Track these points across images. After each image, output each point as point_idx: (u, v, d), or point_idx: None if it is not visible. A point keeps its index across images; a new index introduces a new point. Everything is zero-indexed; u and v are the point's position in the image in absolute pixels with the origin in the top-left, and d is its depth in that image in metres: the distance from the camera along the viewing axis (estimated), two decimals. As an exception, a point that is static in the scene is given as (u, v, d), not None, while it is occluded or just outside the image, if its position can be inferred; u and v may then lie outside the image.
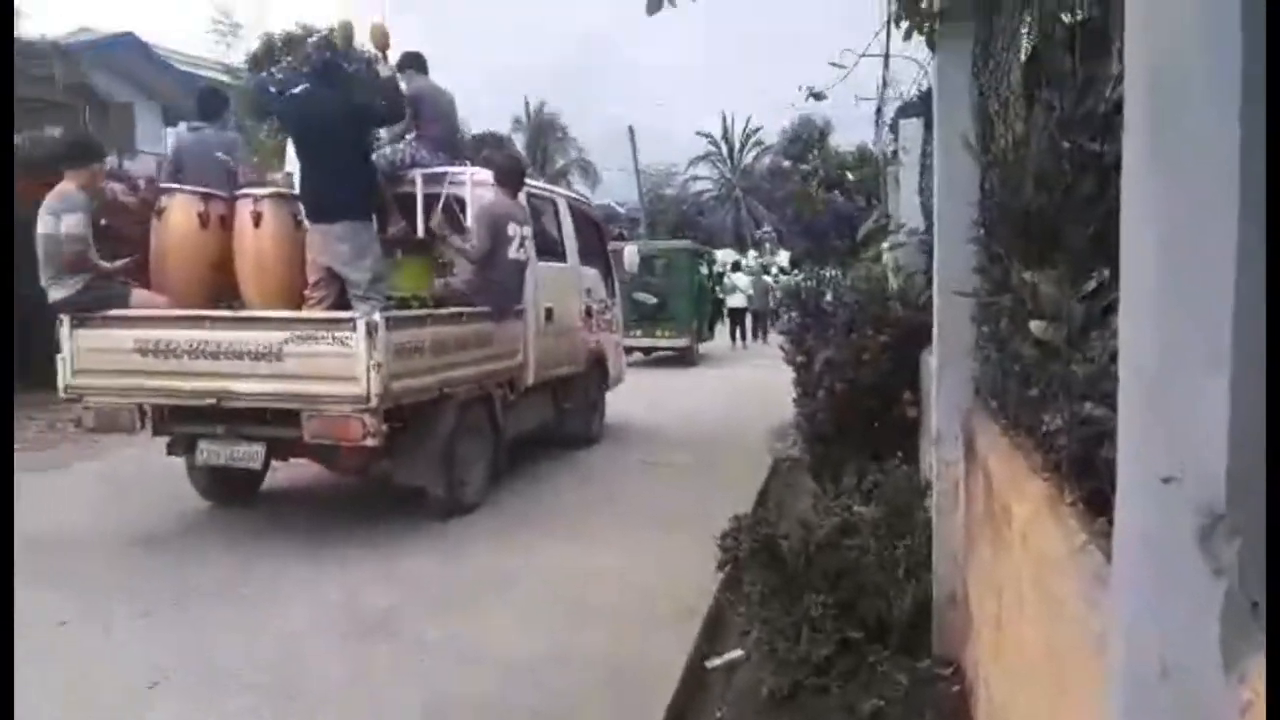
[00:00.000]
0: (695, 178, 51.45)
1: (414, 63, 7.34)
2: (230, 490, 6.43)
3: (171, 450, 6.19)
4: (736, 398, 12.28)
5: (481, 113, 43.15)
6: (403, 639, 4.30)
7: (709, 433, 9.89)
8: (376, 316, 5.35)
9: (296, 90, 6.28)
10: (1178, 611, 0.98)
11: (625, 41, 69.17)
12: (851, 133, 37.82)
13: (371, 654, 4.14)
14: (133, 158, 16.11)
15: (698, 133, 50.95)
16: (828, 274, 8.17)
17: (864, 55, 8.72)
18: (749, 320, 23.51)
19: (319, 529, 6.04)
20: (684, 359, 17.13)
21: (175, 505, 6.44)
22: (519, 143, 36.82)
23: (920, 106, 5.65)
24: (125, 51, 17.81)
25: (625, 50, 72.27)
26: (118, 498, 6.80)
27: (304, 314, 5.75)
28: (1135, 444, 1.04)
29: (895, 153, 7.02)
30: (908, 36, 3.12)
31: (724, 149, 51.73)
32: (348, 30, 6.90)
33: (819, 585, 3.53)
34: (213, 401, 5.51)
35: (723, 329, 22.34)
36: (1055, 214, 2.23)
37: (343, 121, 5.86)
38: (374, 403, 5.26)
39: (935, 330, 3.20)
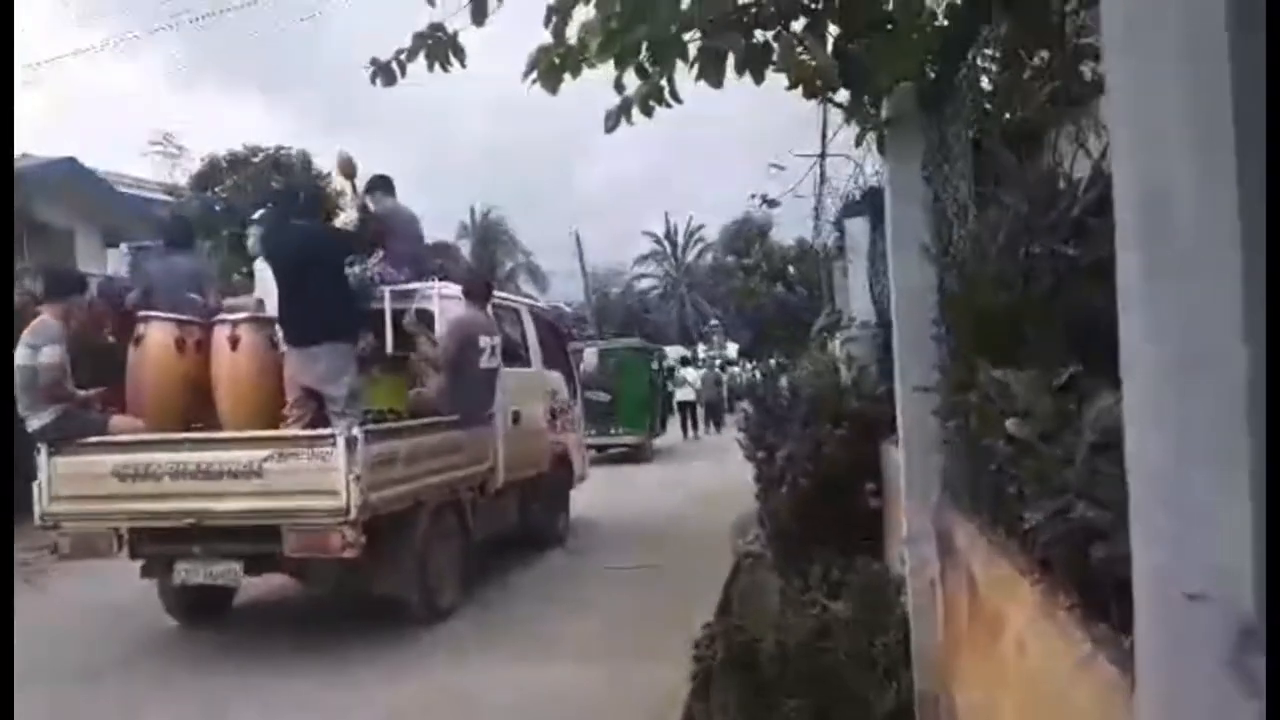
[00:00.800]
0: (641, 275, 52.35)
1: (381, 185, 7.65)
2: (203, 610, 6.47)
3: (146, 572, 6.21)
4: (693, 493, 12.16)
5: (426, 219, 43.31)
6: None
7: (669, 531, 9.75)
8: (356, 431, 5.53)
9: (274, 219, 6.68)
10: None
11: (570, 145, 70.56)
12: (791, 229, 38.67)
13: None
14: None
15: (643, 232, 52.12)
16: (774, 364, 8.24)
17: (800, 155, 9.04)
18: (699, 412, 24.04)
19: (288, 647, 5.98)
20: (638, 455, 17.18)
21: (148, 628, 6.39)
22: (465, 248, 37.05)
23: (865, 205, 5.80)
24: (65, 176, 17.74)
25: (570, 154, 73.82)
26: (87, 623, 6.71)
27: (285, 432, 5.91)
28: (1152, 557, 1.01)
29: (842, 248, 7.18)
30: (859, 142, 3.20)
31: (668, 247, 52.79)
32: (304, 157, 7.13)
33: (795, 690, 3.43)
34: (192, 521, 5.60)
35: (674, 422, 22.56)
36: (1018, 312, 2.26)
37: (322, 248, 6.24)
38: (354, 514, 5.39)
39: (900, 427, 3.19)
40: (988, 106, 2.80)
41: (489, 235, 43.04)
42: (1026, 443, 1.90)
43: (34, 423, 5.92)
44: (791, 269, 43.34)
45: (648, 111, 2.46)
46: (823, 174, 8.63)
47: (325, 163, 19.66)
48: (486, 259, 38.00)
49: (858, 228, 6.00)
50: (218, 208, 18.19)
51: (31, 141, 18.98)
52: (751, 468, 6.29)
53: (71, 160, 18.26)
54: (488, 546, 7.56)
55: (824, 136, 8.05)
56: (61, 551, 5.99)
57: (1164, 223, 0.96)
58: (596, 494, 10.71)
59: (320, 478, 5.46)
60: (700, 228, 51.65)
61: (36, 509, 5.89)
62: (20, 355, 5.92)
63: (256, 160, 19.13)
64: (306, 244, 6.27)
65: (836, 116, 5.17)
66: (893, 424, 4.76)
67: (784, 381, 5.89)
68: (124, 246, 20.07)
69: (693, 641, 4.19)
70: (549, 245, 45.45)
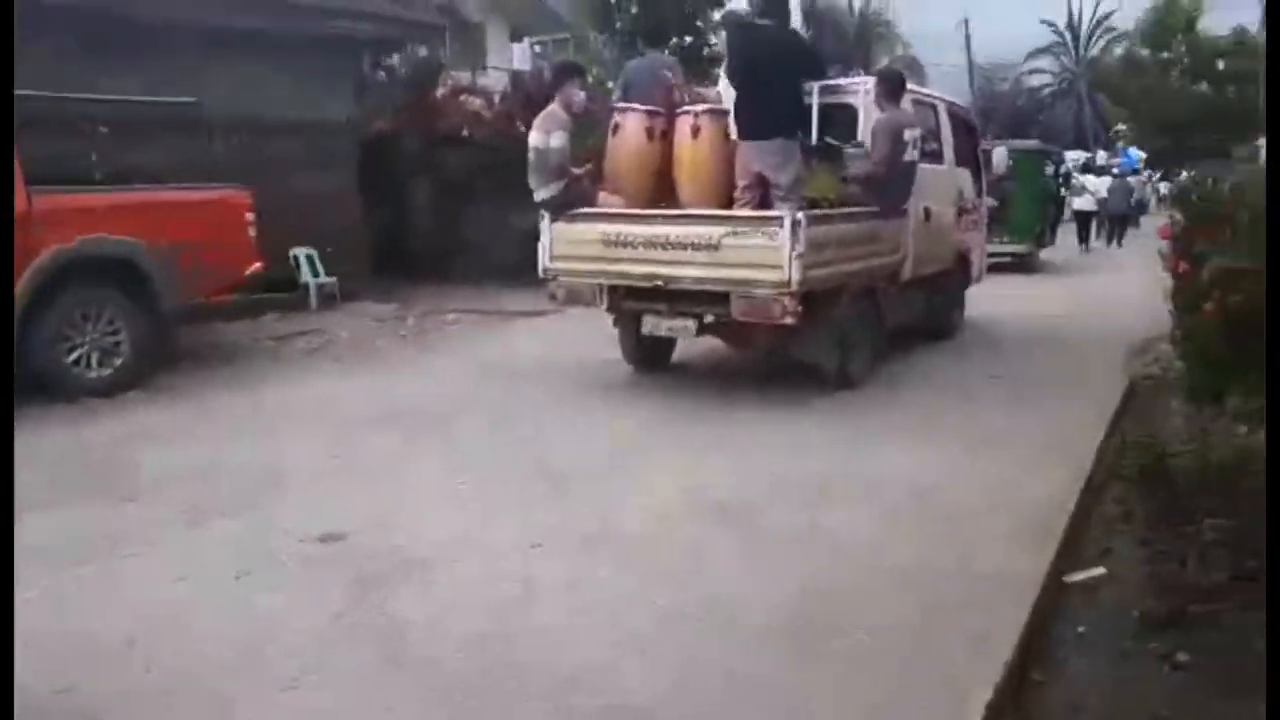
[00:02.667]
0: (1034, 71, 47.23)
1: None
2: (650, 359, 7.74)
3: (616, 323, 7.52)
4: (1084, 312, 11.34)
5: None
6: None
7: (1052, 345, 9.31)
8: (799, 215, 6.16)
9: (751, 24, 7.31)
10: None
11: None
12: (1226, 14, 32.69)
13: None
14: (484, 73, 17.39)
15: (1041, 21, 46.55)
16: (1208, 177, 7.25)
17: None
18: (1095, 224, 21.81)
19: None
20: (1024, 266, 16.05)
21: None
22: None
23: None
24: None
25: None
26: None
27: (739, 212, 6.68)
28: None
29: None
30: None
31: (1069, 38, 46.93)
32: None
33: (1214, 509, 3.26)
34: (659, 283, 6.59)
35: (1065, 233, 20.34)
36: None
37: (785, 56, 6.89)
38: (794, 287, 6.12)
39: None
40: None
41: (867, 26, 40.68)
42: None
43: (542, 194, 7.06)
44: (1222, 64, 36.98)
45: None
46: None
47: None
48: (863, 51, 36.11)
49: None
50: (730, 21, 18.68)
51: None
52: (1161, 286, 5.75)
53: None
54: (893, 332, 8.13)
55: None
56: (558, 299, 7.32)
57: None
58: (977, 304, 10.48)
59: (767, 254, 6.18)
60: (1110, 14, 45.16)
61: (540, 264, 7.22)
62: (535, 139, 7.03)
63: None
64: (768, 46, 6.93)
65: None
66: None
67: (1225, 185, 5.19)
68: (527, 41, 21.55)
69: (1096, 450, 4.06)
70: (932, 37, 41.88)
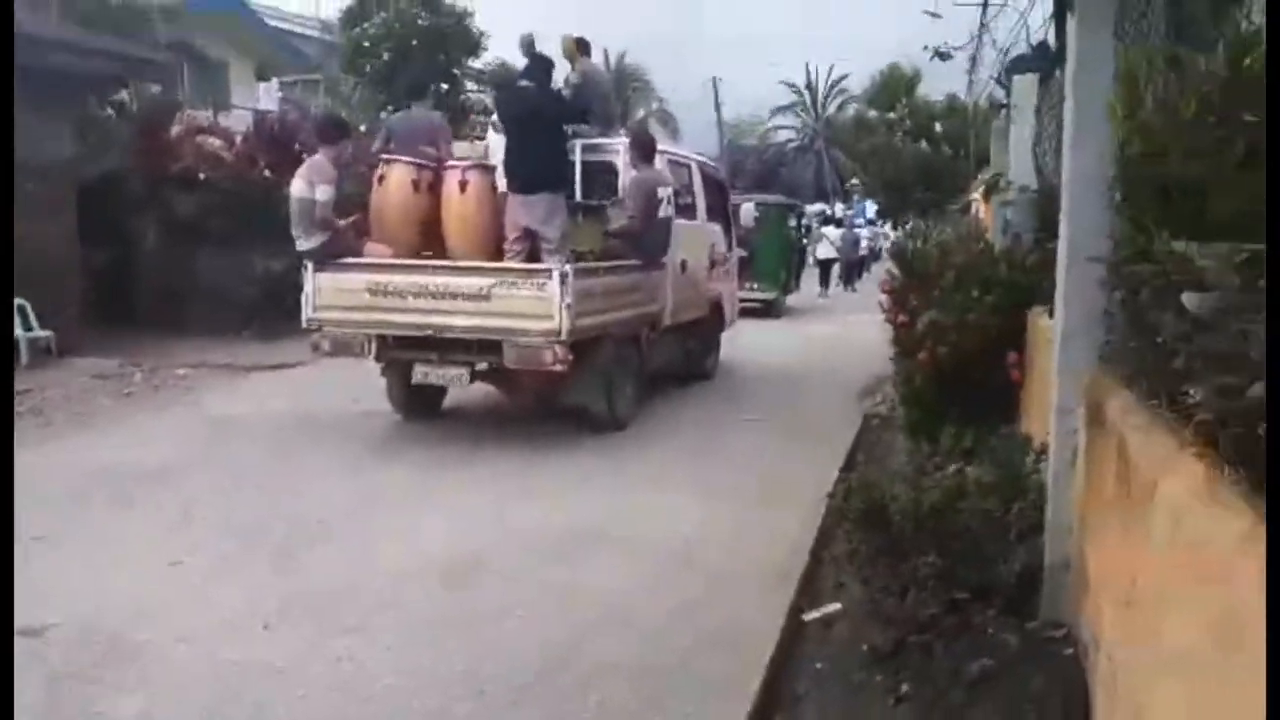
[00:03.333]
0: (778, 127, 50.63)
1: (579, 46, 8.58)
2: (421, 407, 7.79)
3: (385, 372, 7.52)
4: (822, 354, 12.38)
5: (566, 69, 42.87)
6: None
7: (795, 386, 10.02)
8: (567, 267, 6.55)
9: (516, 85, 7.78)
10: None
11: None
12: (941, 82, 36.51)
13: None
14: (227, 113, 16.49)
15: (781, 82, 50.03)
16: (921, 226, 8.04)
17: (959, 3, 8.46)
18: (835, 270, 24.14)
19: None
20: (772, 311, 17.31)
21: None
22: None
23: (1034, 60, 5.46)
24: (222, 10, 18.19)
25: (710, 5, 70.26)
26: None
27: (510, 264, 7.00)
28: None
29: (1003, 106, 6.81)
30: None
31: (807, 98, 50.72)
32: (529, 39, 7.75)
33: (927, 546, 3.53)
34: (431, 332, 6.76)
35: (809, 279, 22.41)
36: (1205, 181, 2.17)
37: (549, 115, 7.27)
38: (564, 336, 6.46)
39: (1060, 295, 3.12)
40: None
41: (623, 80, 42.19)
42: (1203, 318, 1.86)
43: (304, 244, 7.08)
44: (939, 126, 41.19)
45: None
46: (983, 24, 8.13)
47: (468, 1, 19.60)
48: (621, 105, 37.41)
49: (1024, 85, 5.68)
50: (366, 44, 18.39)
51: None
52: (887, 330, 6.28)
53: (230, -6, 18.69)
54: (654, 375, 8.66)
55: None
56: (323, 350, 7.21)
57: None
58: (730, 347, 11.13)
59: (538, 304, 6.49)
60: (843, 78, 49.27)
61: (304, 314, 7.14)
62: (297, 188, 7.06)
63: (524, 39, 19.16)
64: (535, 106, 7.28)
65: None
66: (1041, 295, 4.66)
67: (932, 245, 5.74)
68: (274, 80, 20.60)
69: (826, 493, 4.31)
70: (684, 93, 44.07)
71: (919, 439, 5.64)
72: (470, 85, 20.30)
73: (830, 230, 24.43)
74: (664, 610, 4.15)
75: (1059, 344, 3.13)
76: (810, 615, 4.12)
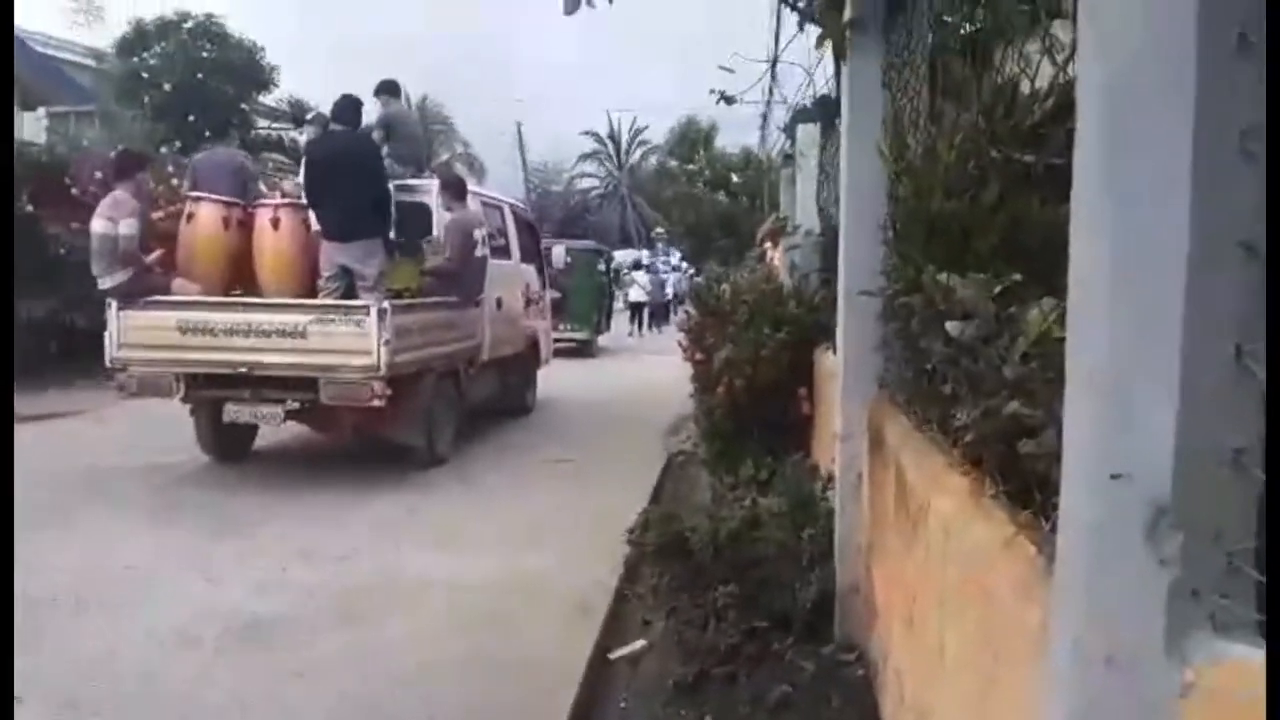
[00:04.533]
0: (583, 174, 51.42)
1: (388, 89, 8.72)
2: (229, 448, 7.57)
3: (194, 412, 7.31)
4: (629, 391, 12.76)
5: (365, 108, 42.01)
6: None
7: (606, 424, 10.22)
8: (385, 304, 6.65)
9: (327, 130, 7.69)
10: (1124, 601, 1.04)
11: (507, 37, 67.80)
12: (736, 135, 38.37)
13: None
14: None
15: (584, 132, 50.93)
16: (717, 270, 8.39)
17: (751, 59, 8.92)
18: (645, 313, 25.74)
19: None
20: (584, 351, 18.16)
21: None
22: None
23: (816, 112, 5.80)
24: (-26, 33, 16.59)
25: (507, 45, 70.97)
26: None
27: (327, 301, 6.93)
28: (1083, 442, 1.10)
29: (790, 156, 7.18)
30: (819, 44, 3.19)
31: (610, 147, 51.86)
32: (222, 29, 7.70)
33: (726, 576, 3.59)
34: (245, 370, 6.67)
35: (619, 320, 23.76)
36: (966, 220, 2.33)
37: (360, 158, 7.24)
38: (383, 371, 6.53)
39: (840, 327, 3.29)
40: (947, 18, 2.83)
41: (426, 122, 41.71)
42: (965, 344, 1.99)
43: (107, 282, 6.89)
44: (735, 177, 43.10)
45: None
46: (773, 77, 8.58)
47: (257, 35, 18.88)
48: (425, 146, 36.93)
49: (807, 135, 6.02)
50: (145, 74, 17.30)
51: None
52: (688, 368, 6.44)
53: (-20, 17, 17.11)
54: (473, 411, 8.80)
55: (776, 41, 7.98)
56: (129, 390, 6.96)
57: (1123, 131, 1.01)
58: (546, 385, 11.44)
59: (356, 339, 6.54)
60: (644, 129, 50.70)
61: (107, 354, 6.90)
62: (99, 225, 6.86)
63: (187, 26, 18.20)
64: (343, 150, 7.27)
65: (789, 23, 5.12)
66: (827, 331, 4.92)
67: (726, 287, 5.94)
68: (41, 110, 18.99)
69: (627, 529, 4.31)
70: (487, 137, 44.07)
71: (719, 472, 5.78)
72: (262, 122, 19.47)
73: (640, 275, 25.97)
74: (465, 652, 4.01)
75: (841, 373, 3.28)
76: (616, 654, 4.09)
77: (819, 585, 3.54)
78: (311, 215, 7.25)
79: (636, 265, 27.45)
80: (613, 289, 23.31)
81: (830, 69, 5.99)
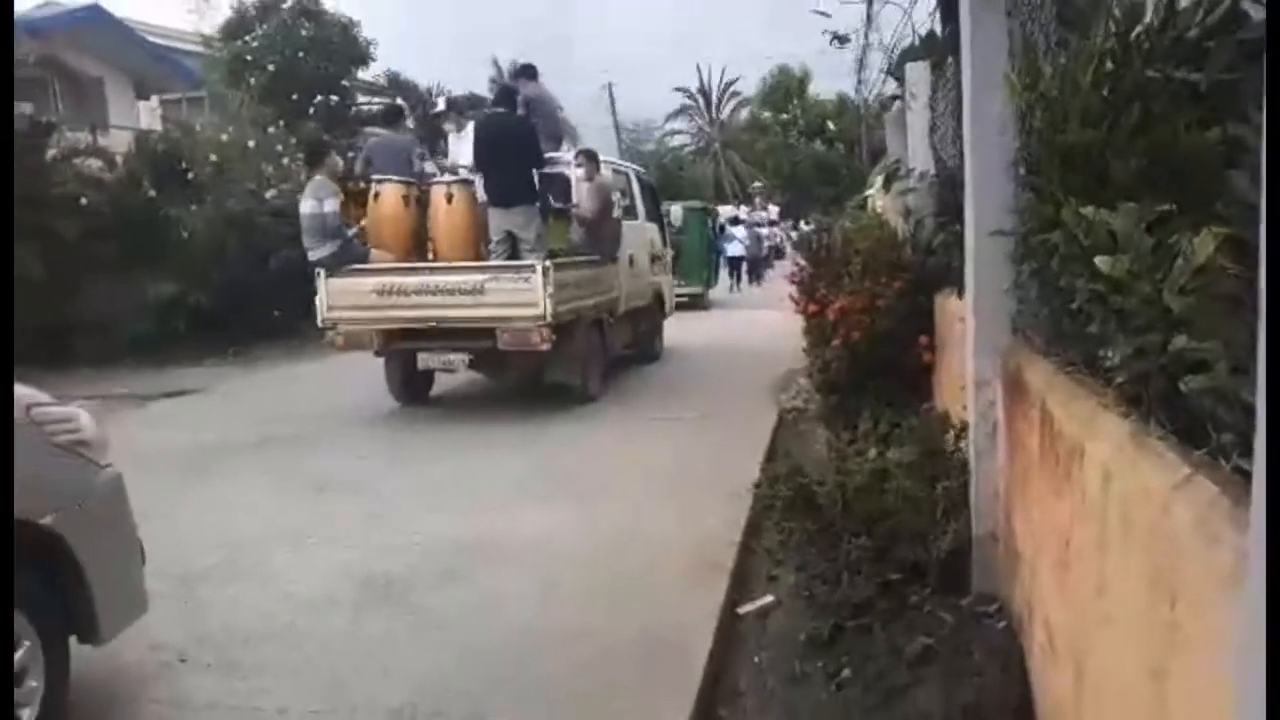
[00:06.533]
0: (674, 132, 51.00)
1: (527, 73, 10.05)
2: (413, 393, 8.93)
3: (387, 363, 8.72)
4: (741, 342, 13.31)
5: (452, 72, 42.72)
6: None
7: (720, 376, 10.48)
8: (547, 262, 7.80)
9: (491, 112, 9.04)
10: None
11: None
12: (831, 81, 37.39)
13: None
14: (105, 133, 15.77)
15: (675, 88, 50.42)
16: (829, 221, 8.21)
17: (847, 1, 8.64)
18: (744, 267, 26.37)
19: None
20: (698, 304, 19.02)
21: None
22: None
23: (925, 49, 5.58)
24: (92, 25, 17.36)
25: (595, 9, 70.41)
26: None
27: (500, 262, 8.17)
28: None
29: (893, 98, 6.96)
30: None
31: (701, 102, 51.24)
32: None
33: (856, 530, 3.55)
34: (433, 324, 7.97)
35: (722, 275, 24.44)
36: (1102, 147, 2.21)
37: (519, 136, 8.37)
38: (549, 319, 7.68)
39: (969, 271, 3.18)
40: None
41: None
42: (1117, 279, 1.89)
43: (317, 254, 8.15)
44: (830, 124, 42.11)
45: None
46: (869, 19, 8.30)
47: (353, 10, 19.30)
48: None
49: (917, 74, 5.80)
50: (249, 57, 17.86)
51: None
52: (791, 320, 6.34)
53: (95, 7, 17.86)
54: (613, 358, 9.95)
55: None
56: (336, 345, 8.38)
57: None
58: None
59: (525, 294, 7.72)
60: (735, 80, 49.91)
61: (319, 315, 8.30)
62: (307, 206, 8.18)
63: (285, 6, 18.70)
64: (504, 129, 8.45)
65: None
66: (948, 276, 4.76)
67: (837, 235, 5.81)
68: (155, 98, 19.81)
69: (751, 483, 4.29)
70: (576, 100, 44.01)
71: (837, 426, 5.69)
72: (361, 97, 19.92)
73: (738, 230, 26.48)
74: (600, 610, 4.05)
75: (972, 318, 3.17)
76: (745, 608, 4.09)
77: (954, 536, 3.47)
78: (479, 188, 8.39)
79: (734, 221, 27.92)
80: (718, 244, 23.96)
81: (930, 5, 5.77)
